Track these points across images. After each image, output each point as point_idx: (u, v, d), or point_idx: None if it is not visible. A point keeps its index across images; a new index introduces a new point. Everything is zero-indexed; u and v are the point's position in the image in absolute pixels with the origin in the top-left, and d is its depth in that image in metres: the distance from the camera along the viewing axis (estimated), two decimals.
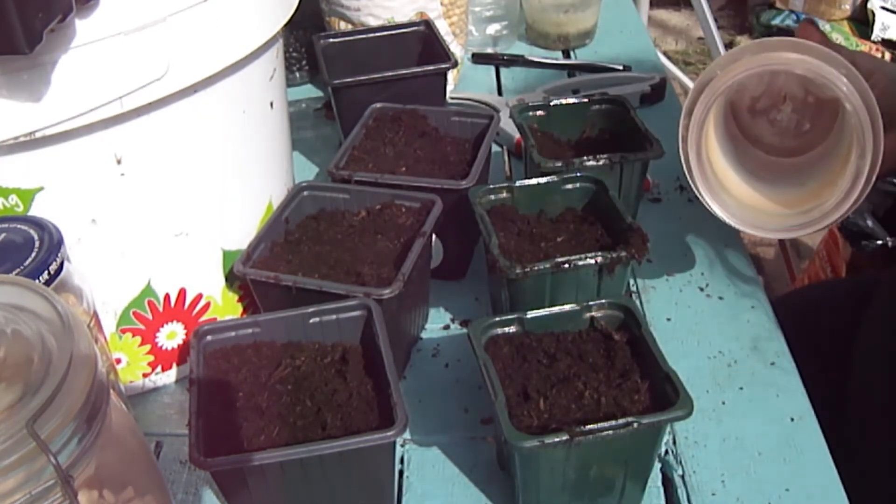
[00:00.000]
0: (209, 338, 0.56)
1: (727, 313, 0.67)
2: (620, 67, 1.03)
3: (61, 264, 0.46)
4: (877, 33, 2.18)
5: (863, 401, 0.76)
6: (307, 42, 1.01)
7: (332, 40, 0.89)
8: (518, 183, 0.66)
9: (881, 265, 0.87)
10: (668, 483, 0.55)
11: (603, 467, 0.50)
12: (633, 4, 1.28)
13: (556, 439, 0.46)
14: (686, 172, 0.61)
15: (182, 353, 0.63)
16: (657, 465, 0.56)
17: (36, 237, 0.47)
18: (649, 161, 0.70)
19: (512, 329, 0.55)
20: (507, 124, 0.87)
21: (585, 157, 0.69)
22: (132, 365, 0.61)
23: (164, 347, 0.62)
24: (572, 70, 1.05)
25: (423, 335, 0.68)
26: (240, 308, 0.65)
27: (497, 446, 0.56)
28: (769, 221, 0.60)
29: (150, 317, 0.59)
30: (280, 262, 0.62)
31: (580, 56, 1.10)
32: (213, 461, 0.47)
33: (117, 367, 0.60)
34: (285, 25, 0.60)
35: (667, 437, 0.57)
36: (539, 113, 0.78)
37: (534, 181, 0.66)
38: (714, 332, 0.66)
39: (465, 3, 1.00)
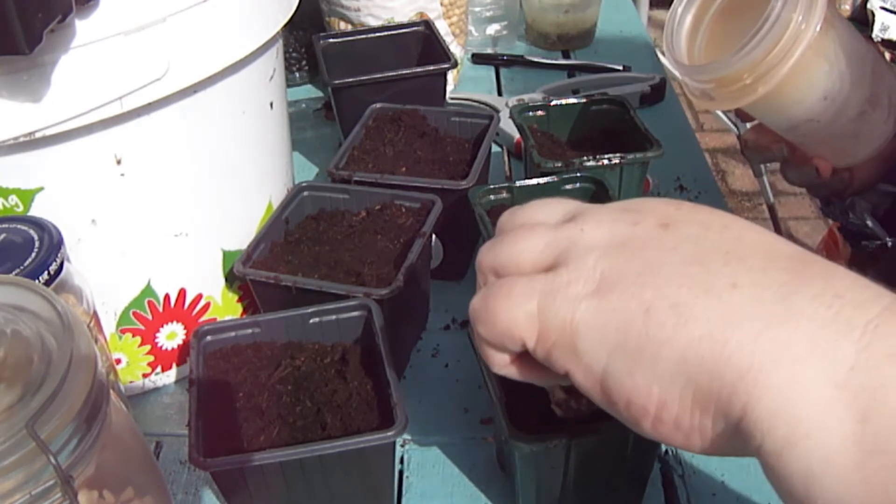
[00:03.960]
0: (209, 338, 0.56)
1: None
2: (620, 68, 1.03)
3: (61, 264, 0.46)
4: (876, 33, 2.18)
5: None
6: (307, 42, 1.01)
7: (331, 40, 0.89)
8: (518, 183, 0.66)
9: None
10: (668, 483, 0.55)
11: (602, 468, 0.50)
12: (633, 5, 1.28)
13: (557, 439, 0.46)
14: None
15: (182, 354, 0.63)
16: (657, 465, 0.56)
17: (36, 237, 0.47)
18: (649, 161, 0.70)
19: None
20: (506, 124, 0.87)
21: (585, 158, 0.69)
22: (132, 365, 0.61)
23: (163, 348, 0.62)
24: (572, 70, 1.05)
25: (423, 335, 0.68)
26: (240, 308, 0.65)
27: (497, 446, 0.56)
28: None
29: (149, 317, 0.59)
30: (280, 263, 0.62)
31: (580, 56, 1.10)
32: (212, 461, 0.47)
33: (117, 367, 0.60)
34: (285, 26, 0.60)
35: None
36: (539, 113, 0.78)
37: (533, 181, 0.66)
38: None
39: (465, 4, 1.00)
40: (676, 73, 0.59)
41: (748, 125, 0.69)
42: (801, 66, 0.52)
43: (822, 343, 0.29)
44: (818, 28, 0.52)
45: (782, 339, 0.29)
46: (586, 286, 0.33)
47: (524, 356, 0.36)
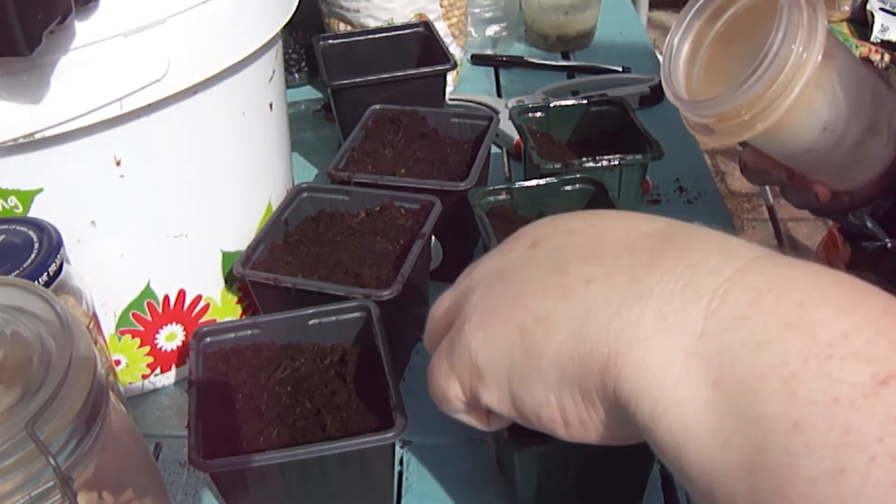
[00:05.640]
0: (208, 339, 0.56)
1: None
2: (620, 69, 1.03)
3: (60, 266, 0.46)
4: (876, 34, 2.18)
5: None
6: (307, 43, 1.01)
7: (331, 42, 0.89)
8: (517, 184, 0.66)
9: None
10: (667, 483, 0.55)
11: (602, 468, 0.50)
12: (633, 6, 1.28)
13: (556, 441, 0.46)
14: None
15: (181, 355, 0.63)
16: (657, 465, 0.56)
17: (35, 239, 0.47)
18: (648, 162, 0.70)
19: None
20: (506, 126, 0.87)
21: (585, 159, 0.69)
22: (131, 366, 0.61)
23: (163, 349, 0.61)
24: (571, 71, 1.05)
25: (423, 337, 0.67)
26: (239, 309, 0.65)
27: (496, 448, 0.56)
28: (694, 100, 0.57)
29: (149, 318, 0.59)
30: (279, 264, 0.62)
31: (579, 58, 1.10)
32: (212, 463, 0.47)
33: (116, 368, 0.60)
34: (285, 27, 0.60)
35: None
36: (538, 114, 0.78)
37: (533, 182, 0.66)
38: None
39: (465, 5, 1.00)
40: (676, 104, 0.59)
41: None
42: (800, 101, 0.52)
43: (669, 316, 0.30)
44: (818, 60, 0.51)
45: (632, 320, 0.30)
46: (471, 322, 0.36)
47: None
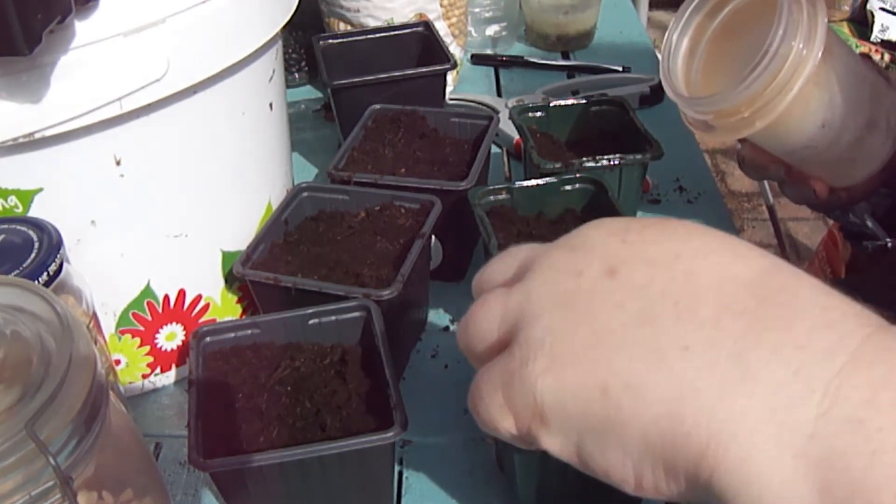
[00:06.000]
0: (208, 339, 0.56)
1: None
2: (620, 69, 1.03)
3: (60, 265, 0.46)
4: (876, 34, 2.18)
5: None
6: (307, 43, 1.01)
7: (331, 41, 0.89)
8: (517, 184, 0.66)
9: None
10: None
11: None
12: (633, 6, 1.28)
13: None
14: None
15: (181, 355, 0.63)
16: None
17: (35, 238, 0.47)
18: (648, 162, 0.70)
19: None
20: (506, 125, 0.87)
21: (585, 159, 0.69)
22: (131, 366, 0.61)
23: (163, 348, 0.61)
24: (571, 71, 1.05)
25: (423, 336, 0.67)
26: (239, 309, 0.65)
27: (496, 448, 0.56)
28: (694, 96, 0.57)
29: (149, 318, 0.59)
30: (279, 264, 0.62)
31: (579, 57, 1.10)
32: (212, 462, 0.47)
33: (116, 368, 0.60)
34: (285, 26, 0.60)
35: None
36: (538, 114, 0.78)
37: (533, 182, 0.66)
38: None
39: (465, 5, 1.00)
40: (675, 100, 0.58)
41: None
42: (800, 98, 0.52)
43: (780, 410, 0.28)
44: (818, 57, 0.51)
45: (738, 409, 0.29)
46: (539, 363, 0.33)
47: None
